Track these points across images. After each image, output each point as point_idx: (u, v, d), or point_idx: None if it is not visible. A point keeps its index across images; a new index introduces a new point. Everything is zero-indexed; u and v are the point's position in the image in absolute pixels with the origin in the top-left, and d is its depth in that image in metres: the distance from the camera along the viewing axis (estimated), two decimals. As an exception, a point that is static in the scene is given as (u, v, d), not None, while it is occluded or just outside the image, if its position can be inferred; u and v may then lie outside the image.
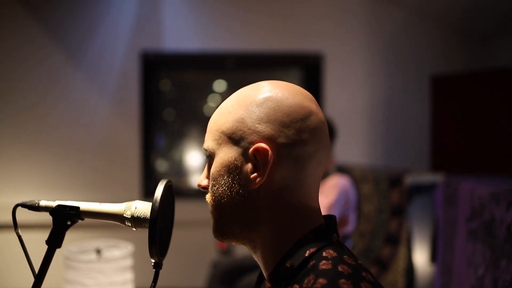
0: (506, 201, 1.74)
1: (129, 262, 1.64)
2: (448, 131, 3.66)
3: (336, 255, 0.68)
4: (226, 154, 0.74)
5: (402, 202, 2.71)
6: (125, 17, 3.83)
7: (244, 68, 4.23)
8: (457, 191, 2.08)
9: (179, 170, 4.34)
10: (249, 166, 0.72)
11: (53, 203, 0.84)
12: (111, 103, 3.78)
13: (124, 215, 0.83)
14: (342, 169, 2.45)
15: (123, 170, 3.74)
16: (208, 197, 0.78)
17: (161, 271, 0.83)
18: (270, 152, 0.70)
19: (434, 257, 2.56)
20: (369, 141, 4.09)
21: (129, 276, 1.64)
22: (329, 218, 0.77)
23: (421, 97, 3.97)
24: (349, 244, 2.47)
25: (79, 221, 0.86)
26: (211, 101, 4.40)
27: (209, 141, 0.76)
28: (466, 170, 3.42)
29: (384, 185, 2.80)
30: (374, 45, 4.06)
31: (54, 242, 0.83)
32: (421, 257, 2.77)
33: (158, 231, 0.78)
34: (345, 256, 0.69)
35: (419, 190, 2.71)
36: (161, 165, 4.28)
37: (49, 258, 0.83)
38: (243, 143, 0.72)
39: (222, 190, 0.74)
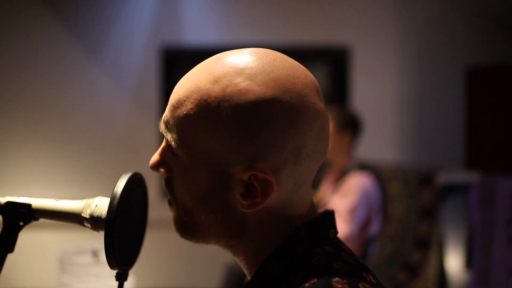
0: (553, 203, 1.53)
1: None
2: (485, 127, 3.41)
3: (332, 251, 0.57)
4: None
5: (433, 203, 2.50)
6: (144, 10, 3.74)
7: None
8: (495, 191, 1.87)
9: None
10: (237, 186, 0.56)
11: (2, 199, 0.71)
12: (130, 99, 3.70)
13: (82, 214, 0.68)
14: (363, 166, 2.26)
15: (142, 167, 3.63)
16: (170, 194, 0.63)
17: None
18: (274, 181, 0.55)
19: (469, 263, 2.35)
20: (400, 137, 3.88)
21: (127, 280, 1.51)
22: (326, 213, 0.64)
23: (455, 90, 3.72)
24: (374, 248, 2.28)
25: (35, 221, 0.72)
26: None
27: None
28: (505, 168, 3.16)
29: (414, 184, 2.59)
30: (405, 36, 3.83)
31: (5, 246, 0.70)
32: (454, 263, 2.55)
33: (118, 235, 0.63)
34: (343, 253, 0.57)
35: (452, 189, 2.50)
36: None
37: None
38: None
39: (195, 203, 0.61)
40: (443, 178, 2.50)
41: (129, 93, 3.71)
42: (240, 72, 0.55)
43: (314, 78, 0.61)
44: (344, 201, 2.09)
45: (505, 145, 3.26)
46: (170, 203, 0.64)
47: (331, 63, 3.98)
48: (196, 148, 0.56)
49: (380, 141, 3.85)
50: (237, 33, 3.82)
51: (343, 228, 2.03)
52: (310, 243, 0.57)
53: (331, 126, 2.18)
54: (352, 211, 2.05)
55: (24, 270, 3.34)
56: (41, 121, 3.61)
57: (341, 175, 2.22)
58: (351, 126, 2.22)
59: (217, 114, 0.54)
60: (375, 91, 3.85)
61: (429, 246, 2.50)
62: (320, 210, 0.65)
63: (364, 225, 2.14)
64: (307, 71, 0.61)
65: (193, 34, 3.81)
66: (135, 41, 3.73)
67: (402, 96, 3.87)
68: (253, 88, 0.54)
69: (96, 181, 3.60)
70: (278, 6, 3.80)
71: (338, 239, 0.62)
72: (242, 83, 0.54)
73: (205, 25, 3.80)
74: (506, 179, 1.88)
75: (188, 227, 0.62)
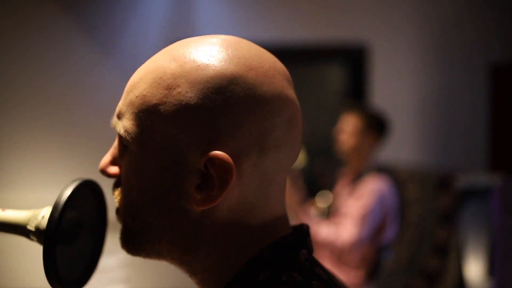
0: None
1: (123, 273, 1.44)
2: (510, 126, 3.25)
3: (301, 279, 0.48)
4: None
5: (452, 207, 2.36)
6: (157, 7, 3.71)
7: (283, 61, 3.99)
8: (518, 196, 1.74)
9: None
10: (192, 177, 0.48)
11: None
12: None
13: (28, 227, 0.60)
14: (381, 170, 2.14)
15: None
16: (119, 198, 0.55)
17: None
18: (233, 168, 0.46)
19: (491, 270, 2.21)
20: (420, 137, 3.74)
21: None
22: (299, 228, 0.54)
23: (478, 89, 3.57)
24: (388, 255, 2.16)
25: None
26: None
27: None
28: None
29: (432, 187, 2.46)
30: (427, 33, 3.69)
31: None
32: (475, 271, 2.41)
33: (61, 251, 0.55)
34: (314, 282, 0.48)
35: (473, 193, 2.36)
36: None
37: None
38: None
39: (143, 200, 0.52)
40: (463, 181, 2.37)
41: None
42: (201, 50, 0.49)
43: (284, 67, 0.54)
44: (358, 204, 1.98)
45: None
46: (117, 211, 0.56)
47: (349, 62, 3.86)
48: (148, 133, 0.48)
49: (400, 141, 3.72)
50: (251, 30, 3.74)
51: (354, 232, 1.92)
52: (276, 269, 0.48)
53: (357, 124, 2.06)
54: (366, 216, 1.95)
55: (23, 270, 3.33)
56: (49, 118, 3.60)
57: (357, 177, 2.11)
58: (377, 128, 2.10)
59: (172, 91, 0.47)
60: (395, 90, 3.73)
61: (448, 252, 2.37)
62: (295, 223, 0.56)
63: (378, 231, 2.03)
64: (276, 58, 0.54)
65: (207, 31, 3.75)
66: (148, 38, 3.70)
67: (423, 95, 3.73)
68: (213, 63, 0.47)
69: (108, 182, 3.57)
70: (295, 2, 3.72)
71: (312, 260, 0.52)
72: (202, 58, 0.48)
73: (219, 22, 3.74)
74: (530, 183, 1.75)
75: (135, 236, 0.53)
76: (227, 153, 0.45)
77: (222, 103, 0.46)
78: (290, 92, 0.51)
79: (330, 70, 4.13)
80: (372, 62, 3.71)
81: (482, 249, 2.41)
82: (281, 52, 3.32)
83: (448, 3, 3.67)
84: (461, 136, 3.73)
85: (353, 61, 3.81)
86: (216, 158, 0.45)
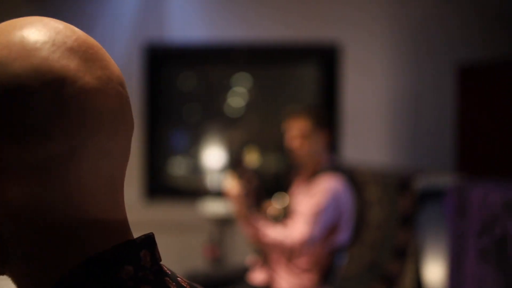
0: (521, 214, 1.36)
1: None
2: (477, 128, 3.22)
3: None
4: None
5: (411, 209, 2.32)
6: (127, 7, 3.65)
7: (255, 60, 3.95)
8: (468, 199, 1.69)
9: (196, 169, 4.12)
10: None
11: None
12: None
13: None
14: (337, 169, 2.10)
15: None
16: None
17: None
18: None
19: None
20: (390, 138, 3.71)
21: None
22: (130, 239, 0.46)
23: (448, 89, 3.54)
24: (341, 259, 2.12)
25: None
26: (230, 96, 4.17)
27: None
28: (498, 172, 2.97)
29: (392, 189, 2.42)
30: (397, 34, 3.67)
31: None
32: (434, 275, 2.37)
33: None
34: None
35: (433, 195, 2.31)
36: (176, 164, 4.09)
37: None
38: None
39: None
40: (425, 182, 2.32)
41: (111, 91, 3.62)
42: None
43: (80, 38, 0.47)
44: (310, 202, 1.93)
45: (499, 148, 3.06)
46: None
47: (322, 61, 3.83)
48: None
49: (370, 140, 3.70)
50: (223, 30, 3.70)
51: (304, 230, 1.87)
52: None
53: (304, 127, 2.03)
54: (317, 214, 1.90)
55: None
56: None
57: (312, 177, 2.07)
58: (325, 124, 2.08)
59: None
60: (366, 90, 3.71)
61: (406, 256, 2.32)
62: (132, 237, 0.47)
63: (331, 231, 1.98)
64: (67, 31, 0.46)
65: (178, 31, 3.70)
66: (118, 38, 3.64)
67: (394, 94, 3.70)
68: None
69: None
70: (265, 1, 3.68)
71: (140, 279, 0.44)
72: None
73: (191, 21, 3.69)
74: (481, 185, 1.70)
75: None
76: None
77: None
78: (67, 67, 0.42)
79: (303, 70, 4.09)
80: (345, 62, 3.69)
81: (441, 252, 2.37)
82: (254, 51, 3.29)
83: (417, 6, 3.67)
84: (429, 137, 3.72)
85: (326, 61, 3.78)
86: None
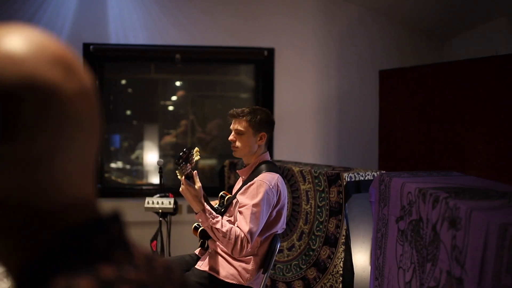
0: (432, 199, 1.60)
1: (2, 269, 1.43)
2: (395, 129, 3.54)
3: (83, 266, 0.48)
4: None
5: (340, 201, 2.56)
6: (67, 9, 3.61)
7: (192, 65, 4.05)
8: (389, 188, 1.93)
9: (134, 170, 4.14)
10: None
11: None
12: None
13: None
14: (275, 167, 2.27)
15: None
16: None
17: None
18: None
19: (370, 259, 2.42)
20: (319, 140, 3.96)
21: (4, 285, 1.43)
22: (104, 216, 0.55)
23: (373, 94, 3.85)
24: (277, 247, 2.30)
25: None
26: (168, 98, 4.23)
27: None
28: (412, 166, 3.31)
29: (323, 183, 2.64)
30: (327, 41, 3.92)
31: None
32: (361, 260, 2.62)
33: None
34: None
35: (359, 188, 2.56)
36: (116, 164, 4.10)
37: None
38: None
39: None
40: (350, 177, 2.56)
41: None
42: None
43: (58, 48, 0.52)
44: (248, 199, 2.09)
45: (414, 145, 3.40)
46: None
47: (256, 65, 4.00)
48: None
49: (301, 144, 3.91)
50: (163, 34, 3.76)
51: (243, 225, 2.03)
52: (74, 271, 0.48)
53: (242, 128, 2.18)
54: (257, 210, 2.06)
55: None
56: None
57: (250, 175, 2.23)
58: (261, 126, 2.23)
59: None
60: (297, 94, 3.92)
61: (337, 243, 2.55)
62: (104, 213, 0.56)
63: (269, 223, 2.15)
64: (48, 43, 0.52)
65: (120, 34, 3.71)
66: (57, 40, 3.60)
67: (324, 99, 3.95)
68: None
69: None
70: (209, 11, 3.79)
71: (111, 247, 0.53)
72: None
73: (131, 25, 3.72)
74: (400, 176, 1.95)
75: None
76: None
77: None
78: (49, 75, 0.49)
79: (239, 73, 4.25)
80: (278, 68, 3.89)
81: (367, 237, 2.63)
82: (191, 56, 3.40)
83: (345, 18, 3.95)
84: (358, 136, 3.99)
85: (260, 65, 3.95)
86: None
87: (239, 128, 2.20)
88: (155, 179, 4.02)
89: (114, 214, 0.56)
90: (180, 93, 4.19)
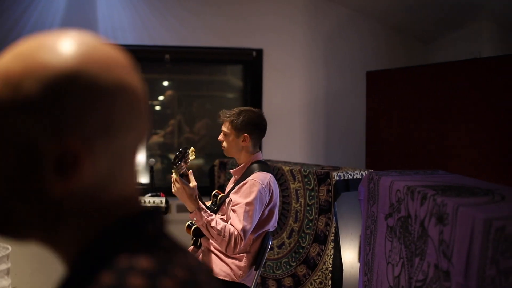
0: (420, 196, 1.66)
1: (4, 265, 1.46)
2: (382, 129, 3.62)
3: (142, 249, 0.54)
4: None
5: (329, 199, 2.62)
6: (53, 10, 3.61)
7: (181, 65, 4.08)
8: (378, 186, 2.00)
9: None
10: (48, 164, 0.53)
11: None
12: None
13: None
14: (264, 166, 2.32)
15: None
16: None
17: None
18: (84, 153, 0.53)
19: (359, 256, 2.48)
20: (307, 140, 4.01)
21: (5, 282, 1.46)
22: (149, 209, 0.62)
23: (361, 94, 3.93)
24: (268, 245, 2.35)
25: None
26: (157, 98, 4.24)
27: None
28: (399, 165, 3.39)
29: (313, 182, 2.70)
30: (315, 42, 3.99)
31: None
32: (350, 257, 2.69)
33: None
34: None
35: (348, 187, 2.62)
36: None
37: None
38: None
39: None
40: (339, 175, 2.62)
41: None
42: (44, 47, 0.54)
43: (125, 58, 0.60)
44: (241, 197, 2.13)
45: (400, 145, 3.48)
46: None
47: (245, 66, 4.04)
48: (2, 131, 0.53)
49: (289, 144, 3.96)
50: (152, 34, 3.78)
51: (237, 223, 2.07)
52: (120, 243, 0.55)
53: (229, 129, 2.23)
54: (249, 209, 2.10)
55: None
56: None
57: (242, 174, 2.28)
58: (247, 127, 2.27)
59: (19, 90, 0.52)
60: (285, 94, 3.97)
61: (326, 240, 2.62)
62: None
63: (261, 222, 2.20)
64: (118, 51, 0.60)
65: (107, 35, 3.72)
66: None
67: (312, 99, 4.00)
68: (56, 60, 0.52)
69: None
70: (199, 12, 3.82)
71: (159, 235, 0.60)
72: (45, 56, 0.52)
73: (120, 26, 3.73)
74: (388, 174, 2.02)
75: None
76: (78, 139, 0.52)
77: (68, 96, 0.52)
78: (131, 81, 0.57)
79: (228, 73, 4.29)
80: (266, 68, 3.93)
81: (356, 234, 2.69)
82: (181, 56, 3.43)
83: (334, 19, 4.01)
84: (346, 140, 4.05)
85: (249, 65, 3.99)
86: (69, 145, 0.52)
87: (224, 129, 2.27)
88: (143, 179, 4.04)
89: (155, 209, 0.63)
90: (168, 93, 4.21)
